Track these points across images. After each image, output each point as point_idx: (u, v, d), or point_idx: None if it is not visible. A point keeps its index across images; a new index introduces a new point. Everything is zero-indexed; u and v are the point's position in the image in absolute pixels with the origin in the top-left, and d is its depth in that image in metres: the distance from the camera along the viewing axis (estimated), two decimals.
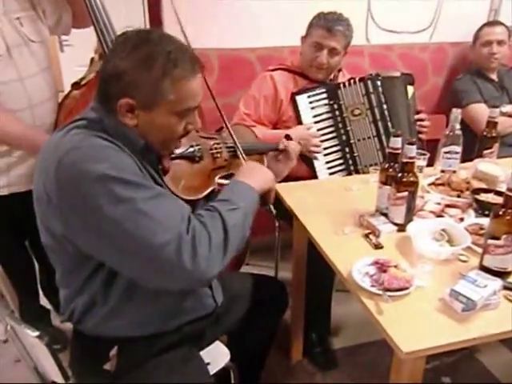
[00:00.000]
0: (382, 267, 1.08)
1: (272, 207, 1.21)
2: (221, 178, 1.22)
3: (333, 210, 1.43)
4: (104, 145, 0.88)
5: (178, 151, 1.10)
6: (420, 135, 1.91)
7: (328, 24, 1.78)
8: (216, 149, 1.22)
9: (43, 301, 1.86)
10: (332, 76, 1.96)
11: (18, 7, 1.35)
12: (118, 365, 1.01)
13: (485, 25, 2.33)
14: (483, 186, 1.48)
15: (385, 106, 1.86)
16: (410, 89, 1.92)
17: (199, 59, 0.95)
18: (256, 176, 1.06)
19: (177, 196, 1.06)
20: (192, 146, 1.16)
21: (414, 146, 1.22)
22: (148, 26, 2.09)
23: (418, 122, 1.91)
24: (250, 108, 1.90)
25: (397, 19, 2.34)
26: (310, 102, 1.87)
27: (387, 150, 1.33)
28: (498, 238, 1.05)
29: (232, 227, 0.90)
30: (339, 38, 1.80)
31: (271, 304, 1.42)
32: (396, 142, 1.29)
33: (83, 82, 1.43)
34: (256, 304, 1.34)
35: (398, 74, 1.92)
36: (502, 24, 2.30)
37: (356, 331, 2.01)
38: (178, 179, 1.07)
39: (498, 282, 1.01)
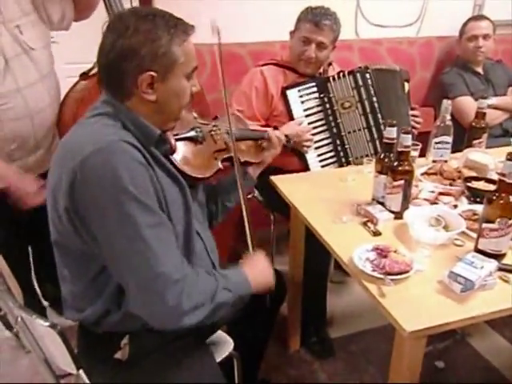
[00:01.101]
0: (382, 253, 1.12)
1: None
2: (224, 160, 1.25)
3: (329, 200, 1.46)
4: (133, 156, 0.89)
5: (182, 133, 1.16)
6: (412, 129, 1.95)
7: (315, 18, 1.81)
8: (215, 131, 1.27)
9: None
10: (322, 70, 1.99)
11: (19, 12, 1.33)
12: (129, 353, 1.02)
13: (470, 19, 2.39)
14: (474, 174, 1.53)
15: (374, 99, 1.89)
16: (406, 85, 1.96)
17: (186, 21, 0.99)
18: (258, 274, 1.10)
19: (186, 174, 1.09)
20: (193, 129, 1.21)
21: (410, 135, 1.26)
22: None
23: (412, 118, 1.96)
24: (242, 105, 1.91)
25: (385, 14, 2.38)
26: (301, 96, 1.89)
27: (383, 140, 1.36)
28: (492, 222, 1.09)
29: (217, 303, 0.96)
30: (327, 32, 1.82)
31: (269, 293, 1.44)
32: (391, 132, 1.32)
33: (92, 73, 1.43)
34: (255, 294, 1.36)
35: (397, 68, 1.95)
36: (487, 18, 2.35)
37: (351, 321, 2.05)
38: (185, 159, 1.12)
39: (493, 264, 1.05)
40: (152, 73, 0.92)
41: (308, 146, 1.87)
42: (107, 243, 0.89)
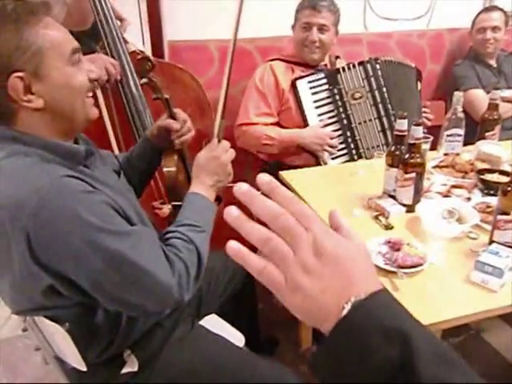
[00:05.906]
0: (394, 246, 1.10)
1: None
2: None
3: (340, 194, 1.44)
4: (81, 189, 0.79)
5: None
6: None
7: (312, 3, 1.83)
8: None
9: None
10: (329, 63, 1.97)
11: None
12: (139, 360, 0.99)
13: (482, 11, 2.34)
14: (487, 166, 1.50)
15: (384, 89, 1.88)
16: (418, 84, 1.98)
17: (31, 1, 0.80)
18: (217, 178, 1.05)
19: None
20: None
21: (421, 127, 1.24)
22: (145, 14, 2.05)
23: (424, 114, 1.94)
24: (257, 102, 1.88)
25: (394, 6, 2.35)
26: (311, 88, 1.87)
27: (394, 132, 1.34)
28: (507, 214, 1.07)
29: (203, 256, 0.93)
30: (325, 14, 1.83)
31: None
32: (402, 124, 1.30)
33: None
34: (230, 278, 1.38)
35: (412, 64, 1.96)
36: (499, 9, 2.29)
37: None
38: None
39: None
40: (17, 73, 0.75)
41: (331, 153, 1.84)
42: (97, 283, 0.81)
